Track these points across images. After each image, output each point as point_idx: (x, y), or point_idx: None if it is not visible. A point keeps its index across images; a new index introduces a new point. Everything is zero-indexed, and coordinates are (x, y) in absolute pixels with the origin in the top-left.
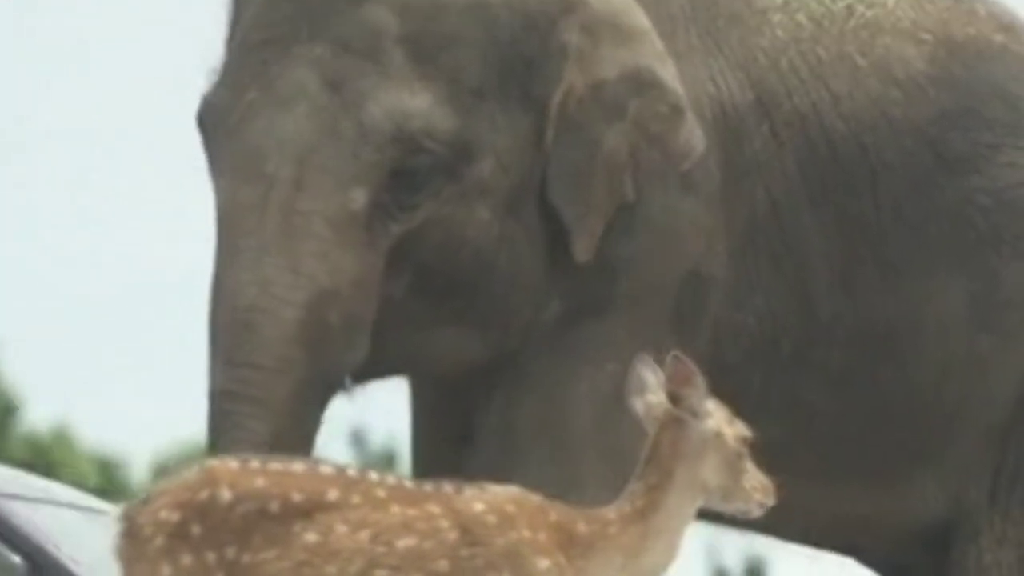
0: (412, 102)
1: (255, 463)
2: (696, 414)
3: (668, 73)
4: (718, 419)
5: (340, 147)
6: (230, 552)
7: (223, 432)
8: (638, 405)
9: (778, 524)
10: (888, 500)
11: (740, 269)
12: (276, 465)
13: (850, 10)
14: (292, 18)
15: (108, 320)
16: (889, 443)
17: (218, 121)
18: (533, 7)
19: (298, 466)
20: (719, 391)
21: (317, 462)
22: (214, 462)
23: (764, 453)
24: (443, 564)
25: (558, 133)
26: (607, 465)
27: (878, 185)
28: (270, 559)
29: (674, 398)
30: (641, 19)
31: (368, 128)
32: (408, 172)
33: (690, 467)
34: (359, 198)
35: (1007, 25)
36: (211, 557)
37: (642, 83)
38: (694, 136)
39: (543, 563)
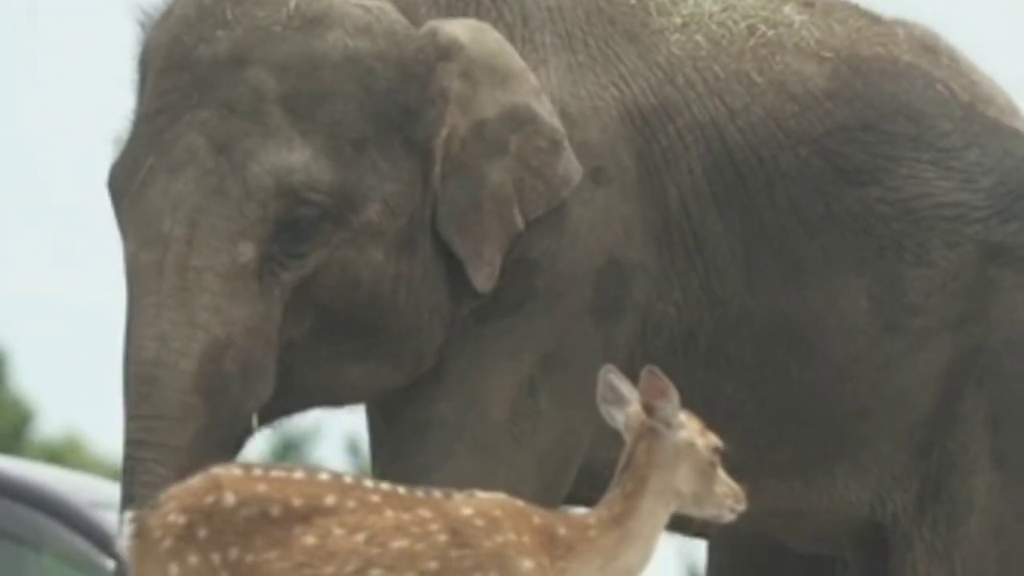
0: (291, 157)
1: (258, 470)
2: (670, 425)
3: (544, 108)
4: (691, 430)
5: (226, 205)
6: (233, 553)
7: (134, 477)
8: (617, 416)
9: (712, 524)
10: (811, 496)
11: (659, 261)
12: (277, 472)
13: (752, 30)
14: (183, 86)
15: (120, 329)
16: (805, 440)
17: (122, 188)
18: (408, 57)
19: (298, 473)
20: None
21: (316, 470)
22: (219, 469)
23: None
24: (434, 564)
25: (444, 173)
26: (523, 455)
27: (775, 191)
28: (271, 560)
29: (648, 409)
30: (515, 59)
31: (251, 186)
32: (293, 223)
33: (664, 475)
34: (247, 252)
35: (929, 47)
36: (216, 558)
37: (520, 120)
38: (571, 166)
39: (527, 564)
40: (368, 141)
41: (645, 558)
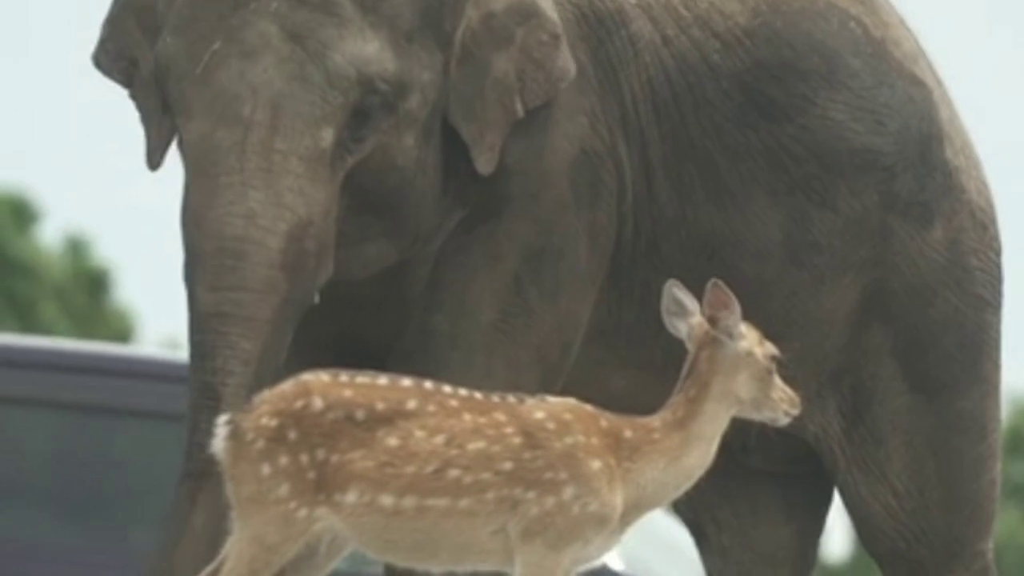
0: (367, 48)
1: (344, 377)
2: (731, 335)
3: (546, 4)
4: (750, 340)
5: (310, 92)
6: (321, 454)
7: (218, 350)
8: (680, 326)
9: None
10: None
11: (620, 149)
12: (362, 378)
13: None
14: None
15: None
16: None
17: (183, 70)
18: None
19: (381, 379)
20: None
21: (398, 376)
22: (308, 376)
23: (619, 339)
24: (508, 465)
25: (458, 63)
26: (519, 350)
27: (701, 115)
28: (356, 460)
29: (712, 320)
30: None
31: (334, 74)
32: (363, 111)
33: (725, 381)
34: (327, 137)
35: None
36: (304, 458)
37: (526, 13)
38: (568, 61)
39: (595, 464)
40: (416, 33)
41: (706, 459)
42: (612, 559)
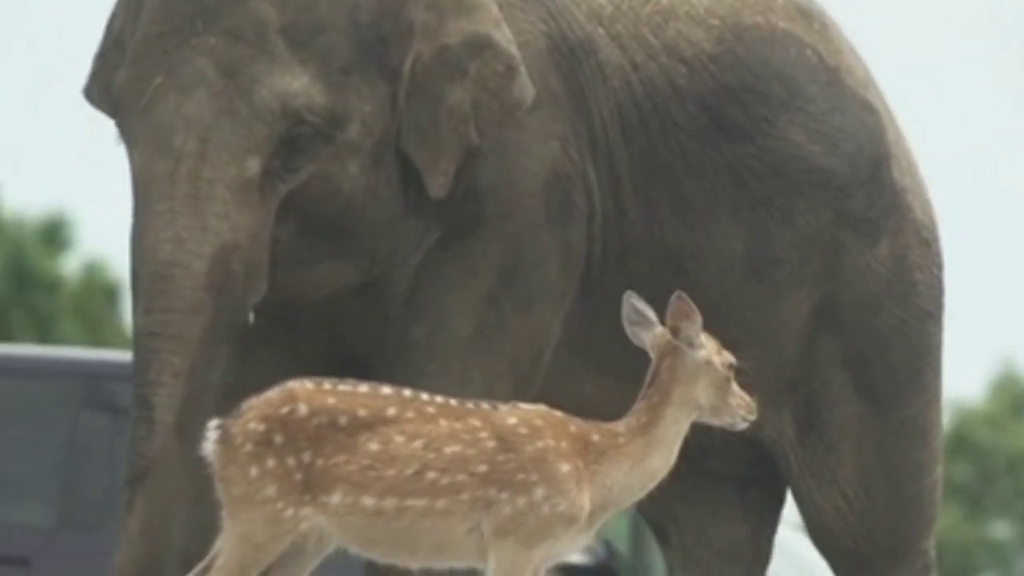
0: (294, 83)
1: (327, 384)
2: (692, 345)
3: (503, 36)
4: (709, 349)
5: (237, 124)
6: (306, 457)
7: (150, 366)
8: (643, 336)
9: None
10: None
11: (590, 171)
12: (344, 386)
13: None
14: (186, 13)
15: None
16: None
17: (130, 102)
18: None
19: (363, 387)
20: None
21: (378, 385)
22: (293, 383)
23: (590, 349)
24: (482, 467)
25: (408, 94)
26: (495, 360)
27: (668, 136)
28: (340, 463)
29: (674, 330)
30: None
31: (259, 108)
32: (293, 141)
33: (686, 389)
34: (253, 166)
35: (803, 11)
36: (291, 461)
37: (480, 46)
38: (525, 90)
39: (564, 466)
40: (352, 67)
41: (668, 462)
42: None
